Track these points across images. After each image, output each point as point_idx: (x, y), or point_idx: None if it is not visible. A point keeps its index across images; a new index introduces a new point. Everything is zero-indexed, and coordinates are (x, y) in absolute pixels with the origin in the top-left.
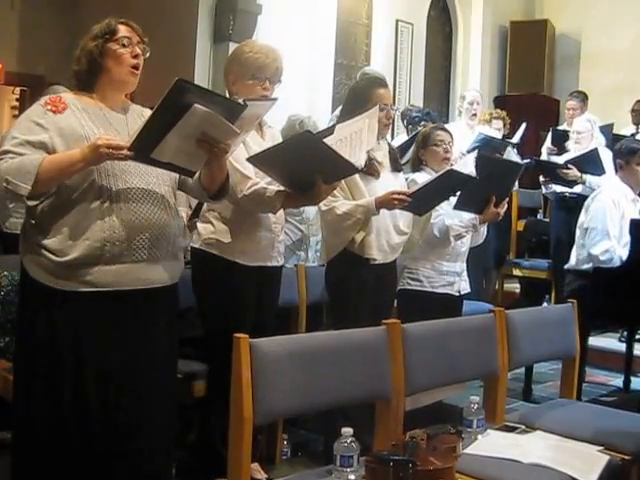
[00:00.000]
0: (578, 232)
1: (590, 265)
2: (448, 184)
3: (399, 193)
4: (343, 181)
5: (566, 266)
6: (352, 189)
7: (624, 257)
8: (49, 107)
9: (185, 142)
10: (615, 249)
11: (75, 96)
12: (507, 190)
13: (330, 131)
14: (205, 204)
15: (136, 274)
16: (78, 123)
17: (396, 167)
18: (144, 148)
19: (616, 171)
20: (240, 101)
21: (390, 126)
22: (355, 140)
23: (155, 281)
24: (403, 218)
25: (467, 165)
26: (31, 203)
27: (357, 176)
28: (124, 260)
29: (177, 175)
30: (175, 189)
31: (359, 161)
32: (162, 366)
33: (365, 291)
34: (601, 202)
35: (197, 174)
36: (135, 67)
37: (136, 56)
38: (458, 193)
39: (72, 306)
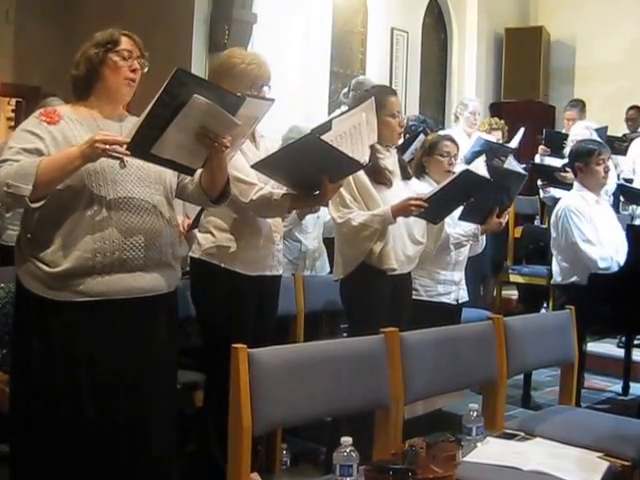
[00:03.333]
0: (554, 250)
1: (575, 278)
2: (464, 186)
3: (416, 199)
4: (357, 192)
5: (552, 282)
6: (366, 199)
7: (606, 253)
8: (43, 118)
9: (185, 136)
10: (608, 254)
11: (71, 108)
12: (510, 200)
13: (327, 126)
14: (204, 213)
15: (129, 283)
16: (71, 134)
17: (406, 175)
18: (143, 143)
19: (575, 175)
20: (239, 95)
21: (402, 134)
22: (355, 135)
23: (148, 290)
24: (417, 227)
25: (478, 169)
26: (34, 205)
27: (370, 186)
28: (116, 270)
29: (173, 183)
30: (171, 198)
31: (363, 157)
32: (160, 375)
33: (382, 303)
34: (565, 217)
35: (197, 178)
36: (131, 79)
37: (134, 70)
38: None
39: (66, 316)
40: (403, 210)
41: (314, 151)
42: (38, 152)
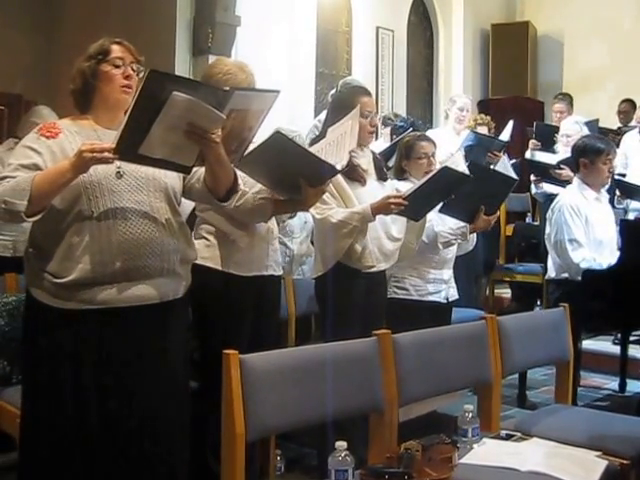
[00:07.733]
0: (548, 244)
1: (566, 275)
2: (443, 183)
3: (395, 197)
4: (334, 189)
5: (546, 277)
6: (343, 197)
7: (597, 259)
8: (42, 132)
9: (172, 134)
10: (591, 256)
11: (71, 120)
12: (499, 204)
13: (323, 134)
14: (197, 220)
15: (132, 292)
16: (69, 147)
17: (382, 176)
18: (130, 146)
19: (577, 171)
20: (226, 88)
21: (374, 134)
22: (340, 142)
23: (151, 298)
24: (395, 224)
25: (458, 164)
26: (30, 220)
27: (345, 184)
28: (119, 279)
29: (177, 187)
30: (175, 203)
31: (342, 161)
32: (168, 381)
33: (356, 302)
34: (560, 213)
35: (202, 178)
36: (127, 86)
37: (128, 77)
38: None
39: (73, 324)
40: (383, 208)
41: (285, 150)
42: (36, 167)
